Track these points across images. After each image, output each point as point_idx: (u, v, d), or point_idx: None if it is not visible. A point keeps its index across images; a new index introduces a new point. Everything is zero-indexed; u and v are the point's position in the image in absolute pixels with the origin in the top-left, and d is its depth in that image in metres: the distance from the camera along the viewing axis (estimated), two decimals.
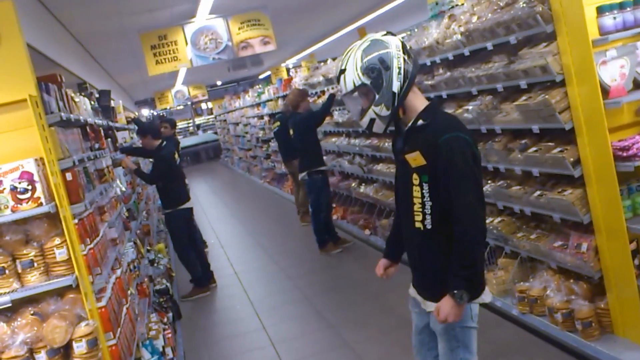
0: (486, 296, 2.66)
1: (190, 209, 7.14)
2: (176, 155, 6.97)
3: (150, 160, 7.39)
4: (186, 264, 7.03)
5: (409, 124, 2.63)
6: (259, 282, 7.19)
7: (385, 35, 2.58)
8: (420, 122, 2.58)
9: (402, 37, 6.29)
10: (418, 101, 2.62)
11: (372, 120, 2.60)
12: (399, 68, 2.51)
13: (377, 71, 2.50)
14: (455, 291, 2.48)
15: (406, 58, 2.53)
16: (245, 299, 6.52)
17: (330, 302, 5.90)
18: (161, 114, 17.25)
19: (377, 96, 2.53)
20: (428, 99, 2.71)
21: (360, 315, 5.39)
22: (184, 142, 23.91)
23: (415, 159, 2.56)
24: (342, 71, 2.56)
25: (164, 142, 6.89)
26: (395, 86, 2.52)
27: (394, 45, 2.53)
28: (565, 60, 3.63)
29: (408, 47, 2.59)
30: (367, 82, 2.51)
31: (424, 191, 2.57)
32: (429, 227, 2.59)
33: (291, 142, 7.98)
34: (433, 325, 2.72)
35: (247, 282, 7.18)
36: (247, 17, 8.66)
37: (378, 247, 7.11)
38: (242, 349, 5.30)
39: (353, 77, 2.53)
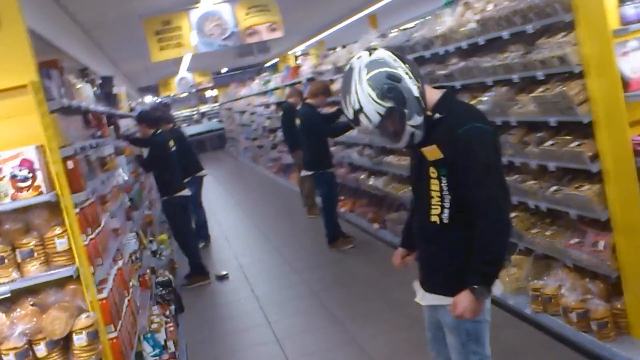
0: (496, 288, 2.58)
1: (188, 197, 7.10)
2: (171, 143, 6.96)
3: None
4: (186, 251, 7.01)
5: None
6: (264, 275, 7.10)
7: (372, 54, 2.46)
8: (436, 115, 2.51)
9: (414, 26, 6.24)
10: (431, 94, 2.55)
11: (412, 135, 2.50)
12: (407, 74, 2.43)
13: (393, 89, 2.39)
14: (475, 286, 2.40)
15: (403, 64, 2.44)
16: (249, 293, 6.44)
17: (337, 297, 5.80)
18: (165, 102, 17.10)
19: (406, 111, 2.43)
20: (442, 88, 2.62)
21: (368, 311, 5.30)
22: (188, 130, 23.81)
23: (432, 152, 2.49)
24: (359, 111, 2.43)
25: (159, 131, 6.89)
26: (415, 91, 2.43)
27: (387, 57, 2.43)
28: (585, 51, 3.52)
29: (397, 52, 2.50)
30: (391, 104, 2.40)
31: (442, 184, 2.50)
32: (445, 221, 2.52)
33: (297, 132, 7.81)
34: (442, 319, 2.66)
35: (251, 275, 7.09)
36: (254, 2, 8.51)
37: (387, 241, 7.00)
38: (245, 344, 5.22)
39: (375, 108, 2.40)
